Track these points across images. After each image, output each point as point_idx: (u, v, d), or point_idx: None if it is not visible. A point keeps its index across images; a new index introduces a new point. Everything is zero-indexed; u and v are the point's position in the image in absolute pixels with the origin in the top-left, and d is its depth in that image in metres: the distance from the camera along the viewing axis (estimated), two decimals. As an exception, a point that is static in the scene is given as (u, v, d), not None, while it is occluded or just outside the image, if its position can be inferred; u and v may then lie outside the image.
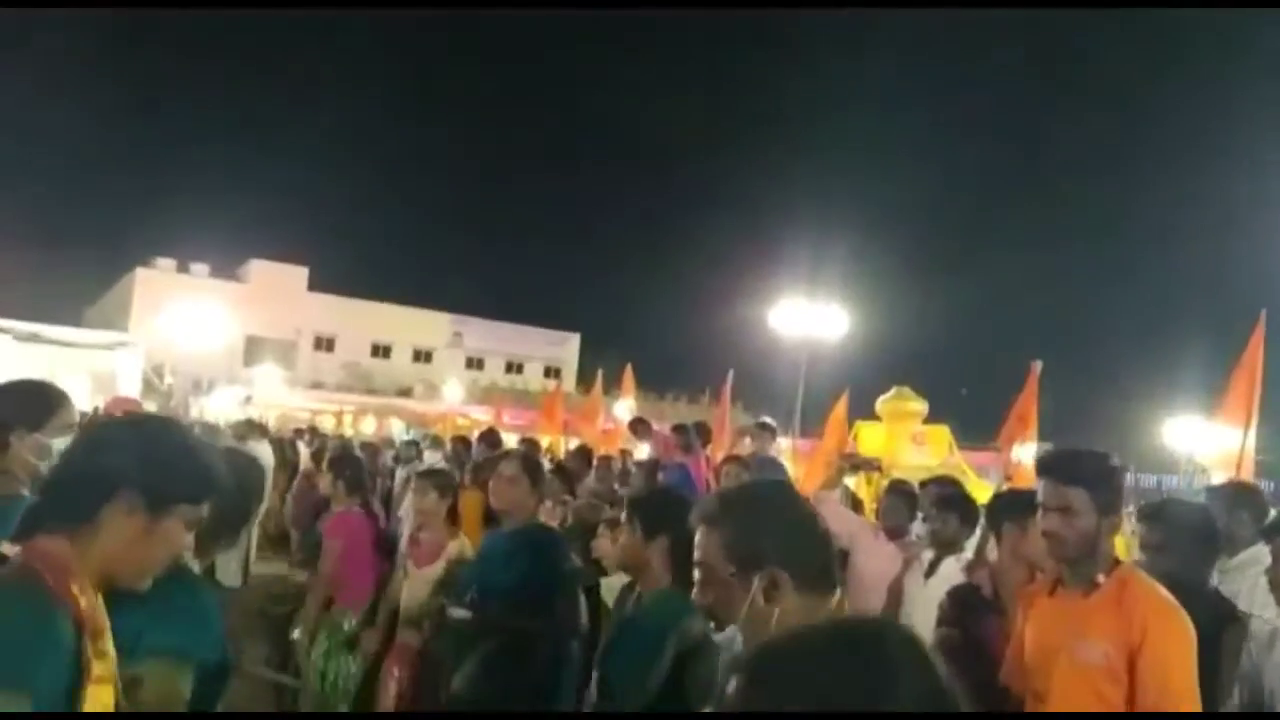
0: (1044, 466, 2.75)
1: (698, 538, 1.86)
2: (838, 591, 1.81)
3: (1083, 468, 2.64)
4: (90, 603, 1.54)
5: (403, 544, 5.21)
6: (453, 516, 4.94)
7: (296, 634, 4.95)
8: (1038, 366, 6.94)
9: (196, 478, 1.72)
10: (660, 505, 2.92)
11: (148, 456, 1.64)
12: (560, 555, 3.69)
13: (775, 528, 1.80)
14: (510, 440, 11.22)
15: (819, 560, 1.80)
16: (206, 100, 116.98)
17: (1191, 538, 3.14)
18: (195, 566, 2.16)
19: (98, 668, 1.53)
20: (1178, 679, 2.45)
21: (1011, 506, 3.52)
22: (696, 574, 1.85)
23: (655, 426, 9.84)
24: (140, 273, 47.37)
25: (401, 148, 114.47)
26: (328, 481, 5.23)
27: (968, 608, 3.43)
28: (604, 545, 4.49)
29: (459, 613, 3.06)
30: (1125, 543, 5.08)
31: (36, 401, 2.36)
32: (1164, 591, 2.57)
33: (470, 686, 3.20)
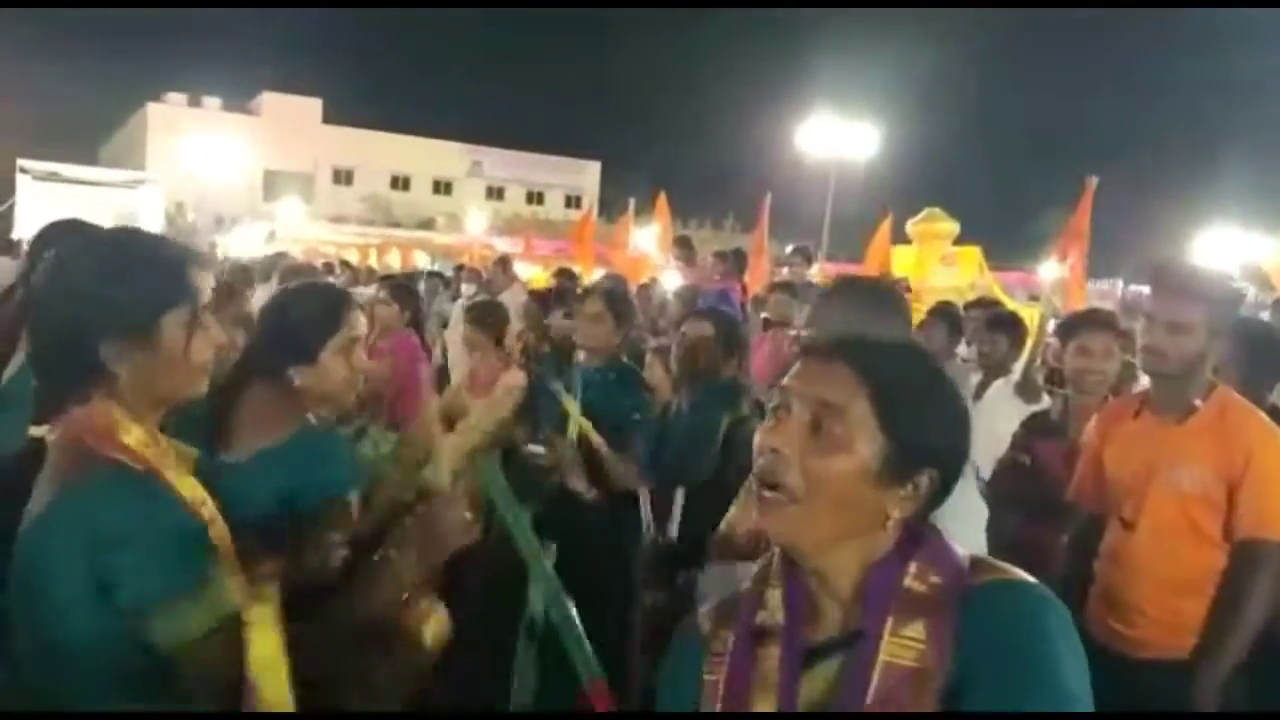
0: (1158, 279, 2.55)
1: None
2: None
3: (1203, 285, 2.47)
4: (150, 444, 1.42)
5: (454, 377, 5.27)
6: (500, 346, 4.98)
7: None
8: (1093, 182, 6.70)
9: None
10: None
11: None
12: (643, 391, 3.61)
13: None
14: (523, 270, 11.20)
15: None
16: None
17: (1250, 353, 2.99)
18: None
19: (205, 511, 1.45)
20: (1276, 507, 2.38)
21: (1087, 323, 3.43)
22: None
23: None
24: (152, 108, 46.52)
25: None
26: (393, 312, 5.20)
27: (1036, 433, 3.43)
28: (656, 374, 4.55)
29: (536, 449, 3.11)
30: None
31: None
32: (1264, 417, 2.48)
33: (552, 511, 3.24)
